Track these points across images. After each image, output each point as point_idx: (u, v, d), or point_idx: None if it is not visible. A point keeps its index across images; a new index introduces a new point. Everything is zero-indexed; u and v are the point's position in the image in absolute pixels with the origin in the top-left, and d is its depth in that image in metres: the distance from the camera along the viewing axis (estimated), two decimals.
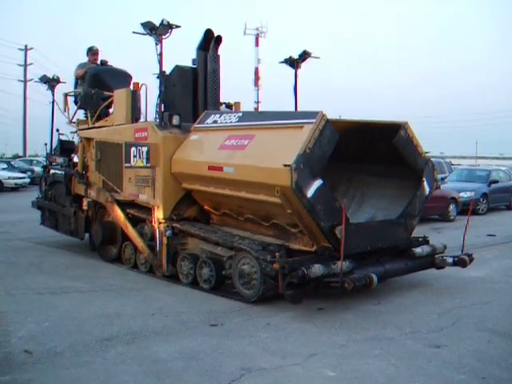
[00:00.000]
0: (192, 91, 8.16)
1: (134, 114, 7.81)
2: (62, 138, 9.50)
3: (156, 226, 7.12)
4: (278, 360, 4.41)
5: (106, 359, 4.37)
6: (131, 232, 7.63)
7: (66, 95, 9.18)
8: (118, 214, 7.85)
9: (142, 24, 6.96)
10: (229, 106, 8.73)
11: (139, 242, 7.46)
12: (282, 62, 8.64)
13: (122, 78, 8.86)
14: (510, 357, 4.57)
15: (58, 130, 9.52)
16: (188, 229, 6.96)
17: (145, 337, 4.91)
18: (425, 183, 6.80)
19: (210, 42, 8.17)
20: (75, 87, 9.26)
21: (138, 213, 7.65)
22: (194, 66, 8.23)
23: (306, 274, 5.43)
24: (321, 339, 4.93)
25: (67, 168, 9.10)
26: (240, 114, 6.72)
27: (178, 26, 7.11)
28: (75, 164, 9.13)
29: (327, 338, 4.95)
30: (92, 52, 9.21)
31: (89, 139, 8.65)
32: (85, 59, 9.20)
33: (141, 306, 5.89)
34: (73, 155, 9.35)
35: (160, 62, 7.14)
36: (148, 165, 7.17)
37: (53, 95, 9.51)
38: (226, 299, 6.12)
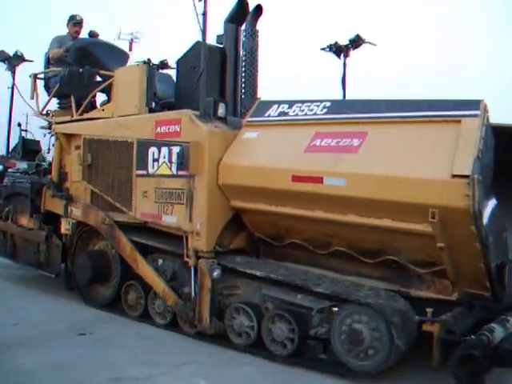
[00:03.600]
0: (219, 76, 6.06)
1: (150, 101, 5.56)
2: (25, 135, 6.95)
3: (192, 261, 4.90)
4: (147, 369, 4.28)
5: None
6: (144, 269, 5.32)
7: (34, 77, 6.64)
8: (123, 243, 5.51)
9: None
10: None
11: (159, 283, 5.17)
12: (324, 49, 6.84)
13: (118, 55, 6.56)
14: None
15: (19, 125, 6.97)
16: (242, 266, 4.83)
17: (6, 347, 4.56)
18: None
19: (245, 12, 6.15)
20: (44, 67, 6.79)
21: (153, 241, 5.39)
22: (220, 45, 6.17)
23: (490, 340, 3.54)
24: (191, 348, 4.84)
25: (34, 176, 6.56)
26: (328, 104, 4.72)
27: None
28: (46, 171, 6.61)
29: (198, 347, 4.85)
30: (74, 22, 6.78)
31: (70, 136, 6.20)
32: (63, 31, 6.76)
33: (3, 315, 5.48)
34: (39, 158, 6.83)
35: (204, 24, 5.00)
36: (181, 173, 4.94)
37: (13, 78, 6.94)
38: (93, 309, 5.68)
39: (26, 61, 7.07)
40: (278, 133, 4.84)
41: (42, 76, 6.68)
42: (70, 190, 6.26)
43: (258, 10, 6.08)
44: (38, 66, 6.91)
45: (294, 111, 4.85)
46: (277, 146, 4.72)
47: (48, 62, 6.81)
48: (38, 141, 7.12)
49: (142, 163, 5.30)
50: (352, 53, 6.65)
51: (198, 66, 5.97)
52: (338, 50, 6.72)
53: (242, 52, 6.08)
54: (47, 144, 6.78)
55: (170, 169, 5.04)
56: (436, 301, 4.22)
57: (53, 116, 6.45)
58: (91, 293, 6.10)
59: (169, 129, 5.07)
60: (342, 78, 6.47)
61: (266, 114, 5.00)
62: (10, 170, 7.12)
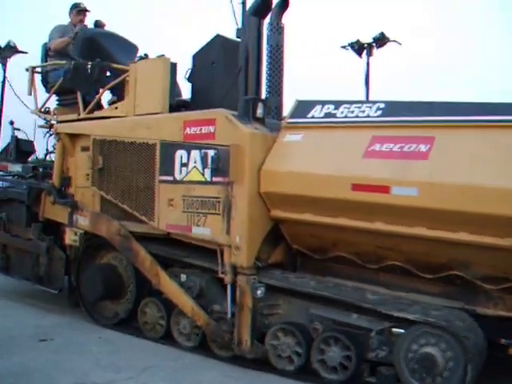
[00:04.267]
0: (244, 76, 5.56)
1: (173, 98, 5.02)
2: (18, 134, 6.25)
3: (229, 278, 4.40)
4: (111, 374, 4.22)
5: None
6: (168, 285, 4.77)
7: (33, 70, 5.95)
8: (142, 256, 4.94)
9: None
10: None
11: (186, 301, 4.64)
12: (345, 47, 6.45)
13: (127, 48, 5.95)
14: None
15: (11, 123, 6.26)
16: (286, 283, 4.36)
17: None
18: None
19: (269, 4, 5.68)
20: (42, 60, 6.11)
21: (179, 255, 4.86)
22: (240, 40, 5.68)
23: None
24: (155, 352, 4.76)
25: (31, 180, 5.87)
26: (381, 105, 4.31)
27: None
28: (45, 174, 5.93)
29: (162, 351, 4.79)
30: (78, 9, 6.14)
31: (75, 137, 5.56)
32: (64, 21, 6.10)
33: None
34: (34, 160, 6.15)
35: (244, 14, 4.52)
36: (216, 179, 4.43)
37: (4, 71, 6.24)
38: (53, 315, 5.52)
39: (20, 52, 6.36)
40: (325, 136, 4.40)
41: (39, 70, 6.00)
42: (73, 196, 5.64)
43: (285, 3, 5.63)
44: (33, 58, 6.24)
45: (342, 112, 4.43)
46: (327, 151, 4.28)
47: (46, 54, 6.15)
48: (32, 141, 6.43)
49: (167, 168, 4.75)
50: (375, 51, 6.30)
51: (217, 61, 5.54)
52: (360, 48, 6.33)
53: (266, 48, 5.63)
54: (45, 145, 6.10)
55: (203, 175, 4.52)
56: (500, 319, 3.91)
57: (54, 114, 5.79)
58: (99, 310, 5.50)
59: (201, 130, 4.55)
60: (365, 78, 6.14)
61: (309, 115, 4.56)
62: (0, 173, 6.40)
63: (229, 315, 4.44)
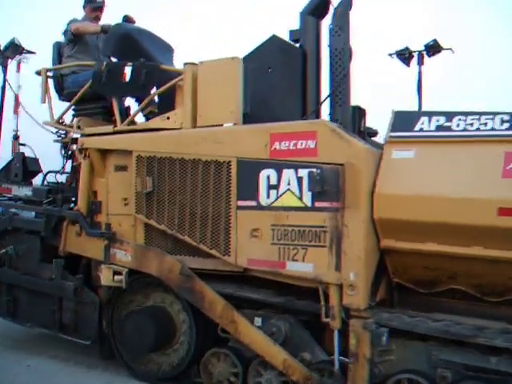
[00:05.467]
0: (301, 81, 4.88)
1: (247, 106, 4.21)
2: (23, 150, 5.13)
3: (337, 323, 3.66)
4: None
5: None
6: (250, 333, 3.94)
7: (46, 73, 4.88)
8: (210, 299, 4.07)
9: None
10: None
11: (277, 351, 3.82)
12: (393, 55, 5.95)
13: (164, 48, 5.04)
14: None
15: (16, 138, 5.15)
16: (404, 325, 3.69)
17: None
18: None
19: (327, 3, 5.04)
20: (55, 62, 5.07)
21: (263, 296, 4.06)
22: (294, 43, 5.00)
23: None
24: (86, 379, 4.57)
25: (49, 206, 4.78)
26: (506, 117, 3.77)
27: None
28: (64, 199, 4.86)
29: (93, 378, 4.60)
30: (94, 6, 5.17)
31: (108, 154, 4.61)
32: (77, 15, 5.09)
33: None
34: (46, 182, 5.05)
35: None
36: (320, 204, 3.69)
37: (5, 73, 5.12)
38: None
39: (26, 52, 5.26)
40: (444, 152, 3.79)
41: (59, 71, 4.95)
42: (104, 225, 4.67)
43: (349, 2, 5.02)
44: (43, 60, 5.18)
45: (457, 125, 3.85)
46: (454, 170, 3.66)
47: (59, 55, 5.13)
48: (37, 159, 5.32)
49: (248, 191, 3.94)
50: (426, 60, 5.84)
51: (274, 66, 4.81)
52: (409, 56, 5.84)
53: (328, 52, 4.98)
54: (62, 163, 5.04)
55: (300, 199, 3.76)
56: None
57: (78, 127, 4.76)
58: (143, 363, 4.55)
59: (295, 145, 3.80)
60: (417, 87, 5.59)
61: (417, 128, 3.95)
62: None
63: (336, 367, 3.71)
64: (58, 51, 5.15)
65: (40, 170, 5.32)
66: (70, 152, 5.26)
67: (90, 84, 4.67)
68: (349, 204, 3.60)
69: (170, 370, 4.47)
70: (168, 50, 5.11)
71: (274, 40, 4.91)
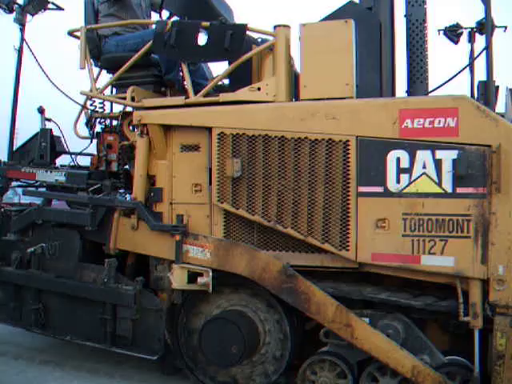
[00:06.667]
0: (378, 53, 4.43)
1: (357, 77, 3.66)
2: (50, 126, 4.17)
3: (479, 321, 3.28)
4: None
5: None
6: (371, 337, 3.44)
7: (85, 33, 3.95)
8: (318, 300, 3.50)
9: None
10: None
11: (402, 357, 3.37)
12: (442, 31, 5.65)
13: (226, 9, 4.31)
14: None
15: (41, 111, 4.17)
16: None
17: None
18: None
19: None
20: (91, 21, 4.16)
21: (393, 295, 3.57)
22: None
23: None
24: None
25: (95, 193, 3.90)
26: None
27: None
28: (113, 186, 4.01)
29: None
30: None
31: (173, 131, 3.86)
32: None
33: None
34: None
35: None
36: (463, 190, 3.27)
37: (22, 33, 4.09)
38: None
39: (54, 9, 4.23)
40: None
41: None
42: (166, 217, 3.93)
43: None
44: (70, 20, 4.24)
45: None
46: None
47: (95, 14, 4.23)
48: (59, 137, 4.34)
49: (373, 175, 3.42)
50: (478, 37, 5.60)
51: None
52: (459, 33, 5.57)
53: (405, 24, 4.57)
54: (96, 142, 4.16)
55: (439, 184, 3.32)
56: None
57: (132, 98, 3.92)
58: (220, 377, 3.91)
59: (432, 123, 3.34)
60: (469, 66, 5.29)
61: None
62: (15, 183, 4.22)
63: (476, 371, 3.35)
64: (93, 9, 4.24)
65: (66, 151, 4.40)
66: (95, 129, 4.44)
67: (148, 47, 3.87)
68: (502, 190, 3.22)
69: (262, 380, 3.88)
70: (231, 12, 4.40)
71: (350, 6, 4.42)
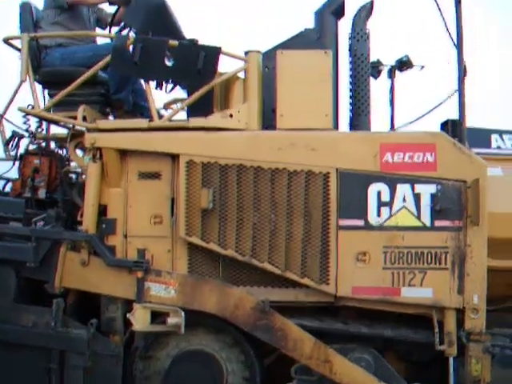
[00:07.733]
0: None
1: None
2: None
3: (453, 350, 3.33)
4: None
5: None
6: (349, 372, 3.33)
7: (28, 42, 3.35)
8: (296, 337, 3.31)
9: None
10: None
11: None
12: None
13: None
14: None
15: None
16: None
17: None
18: None
19: (343, 4, 4.69)
20: (29, 28, 3.59)
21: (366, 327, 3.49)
22: None
23: None
24: None
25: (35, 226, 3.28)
26: None
27: None
28: (58, 215, 3.43)
29: None
30: None
31: (130, 156, 3.45)
32: None
33: None
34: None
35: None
36: (441, 224, 3.32)
37: None
38: None
39: None
40: None
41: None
42: (119, 251, 3.49)
43: (371, 7, 4.75)
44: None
45: None
46: None
47: (33, 21, 3.69)
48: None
49: (354, 208, 3.36)
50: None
51: None
52: (380, 69, 5.82)
53: (348, 58, 4.62)
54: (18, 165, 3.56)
55: (418, 218, 3.36)
56: None
57: (84, 117, 3.42)
58: None
59: (411, 157, 3.37)
60: (390, 102, 5.59)
61: (494, 146, 3.94)
62: None
63: None
64: (31, 15, 3.68)
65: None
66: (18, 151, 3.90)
67: (104, 63, 3.44)
68: (476, 221, 3.34)
69: None
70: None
71: (303, 36, 4.37)
